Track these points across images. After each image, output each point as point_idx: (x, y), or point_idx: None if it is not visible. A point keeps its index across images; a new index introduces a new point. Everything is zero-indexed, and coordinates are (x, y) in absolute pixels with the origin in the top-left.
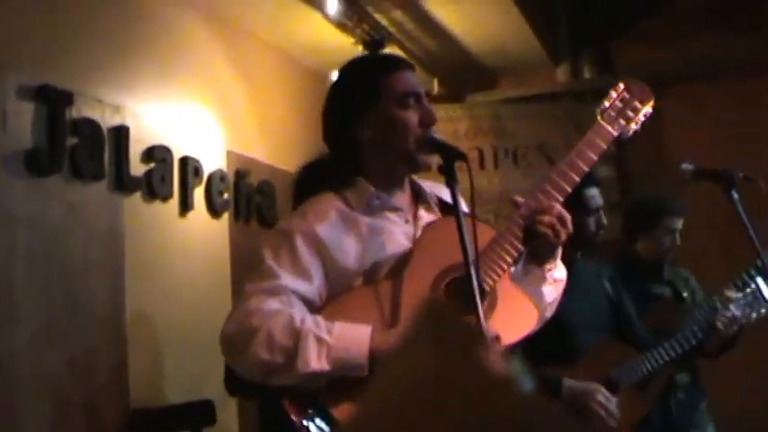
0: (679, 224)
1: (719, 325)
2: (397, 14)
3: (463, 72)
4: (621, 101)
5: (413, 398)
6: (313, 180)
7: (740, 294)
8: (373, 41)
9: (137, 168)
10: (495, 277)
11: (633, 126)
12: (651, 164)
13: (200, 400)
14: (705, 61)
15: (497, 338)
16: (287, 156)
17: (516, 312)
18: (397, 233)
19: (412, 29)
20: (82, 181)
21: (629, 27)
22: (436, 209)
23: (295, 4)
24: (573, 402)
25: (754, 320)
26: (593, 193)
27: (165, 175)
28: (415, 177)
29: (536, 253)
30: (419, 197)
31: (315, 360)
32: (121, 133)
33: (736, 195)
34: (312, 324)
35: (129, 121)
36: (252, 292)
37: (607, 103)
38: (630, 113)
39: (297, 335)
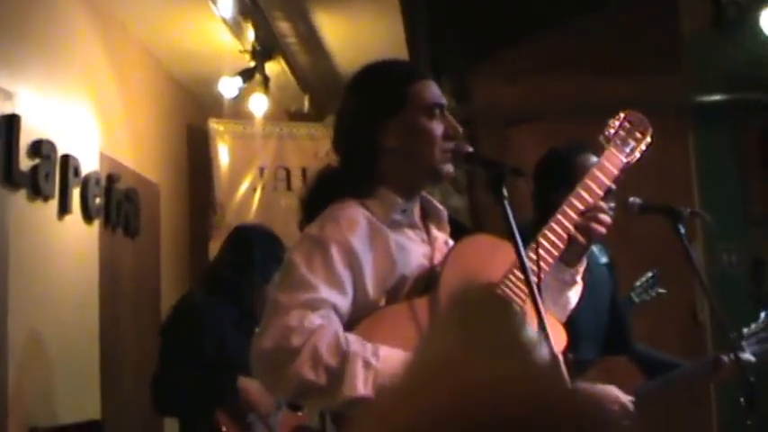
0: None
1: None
2: (284, 26)
3: (326, 91)
4: (623, 130)
5: (439, 378)
6: (330, 188)
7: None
8: (263, 51)
9: (23, 163)
10: (524, 296)
11: (636, 155)
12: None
13: (88, 420)
14: (558, 99)
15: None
16: (152, 166)
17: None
18: (418, 251)
19: (293, 42)
20: None
21: (486, 57)
22: (447, 225)
23: (185, 7)
24: None
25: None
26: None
27: (49, 172)
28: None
29: (569, 255)
30: (427, 212)
31: (362, 386)
32: (13, 123)
33: (682, 230)
34: (359, 346)
35: (19, 111)
36: (290, 305)
37: (612, 131)
38: (633, 143)
39: (344, 357)
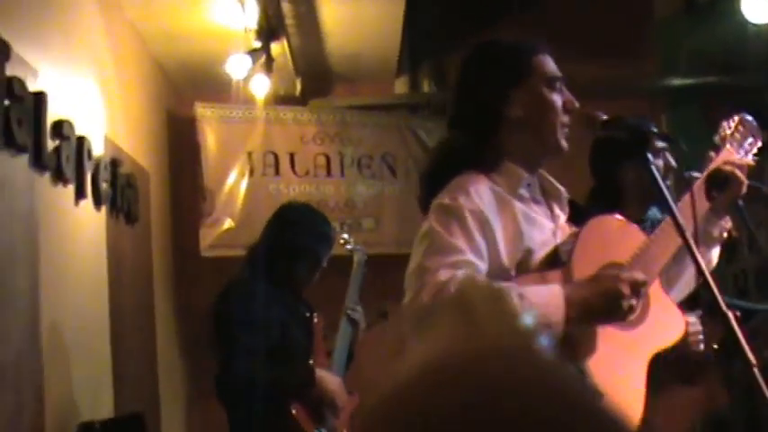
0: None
1: None
2: (286, 6)
3: (314, 75)
4: (738, 133)
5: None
6: (453, 162)
7: None
8: (269, 31)
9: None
10: (651, 278)
11: (749, 158)
12: None
13: (131, 413)
14: None
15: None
16: (143, 151)
17: (666, 319)
18: (544, 226)
19: (292, 24)
20: (11, 152)
21: (464, 42)
22: (566, 206)
23: None
24: None
25: None
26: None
27: (69, 155)
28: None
29: (719, 205)
30: (546, 191)
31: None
32: (41, 101)
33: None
34: (508, 284)
35: (45, 88)
36: (438, 267)
37: (728, 131)
38: (747, 146)
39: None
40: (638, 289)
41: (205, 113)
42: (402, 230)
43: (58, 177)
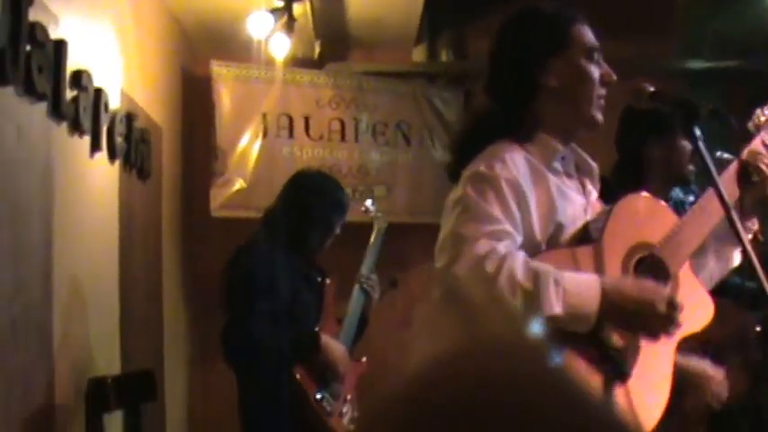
0: None
1: None
2: None
3: (332, 38)
4: None
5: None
6: (487, 130)
7: None
8: None
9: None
10: (681, 261)
11: None
12: None
13: (141, 369)
14: None
15: None
16: (157, 108)
17: (695, 303)
18: (576, 201)
19: None
20: (30, 100)
21: (485, 13)
22: (598, 182)
23: None
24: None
25: None
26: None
27: (86, 106)
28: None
29: (747, 200)
30: (579, 166)
31: (556, 303)
32: (61, 49)
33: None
34: (546, 267)
35: (65, 37)
36: (475, 236)
37: (762, 119)
38: None
39: (536, 277)
40: (673, 314)
41: (221, 72)
42: (414, 199)
43: (75, 128)
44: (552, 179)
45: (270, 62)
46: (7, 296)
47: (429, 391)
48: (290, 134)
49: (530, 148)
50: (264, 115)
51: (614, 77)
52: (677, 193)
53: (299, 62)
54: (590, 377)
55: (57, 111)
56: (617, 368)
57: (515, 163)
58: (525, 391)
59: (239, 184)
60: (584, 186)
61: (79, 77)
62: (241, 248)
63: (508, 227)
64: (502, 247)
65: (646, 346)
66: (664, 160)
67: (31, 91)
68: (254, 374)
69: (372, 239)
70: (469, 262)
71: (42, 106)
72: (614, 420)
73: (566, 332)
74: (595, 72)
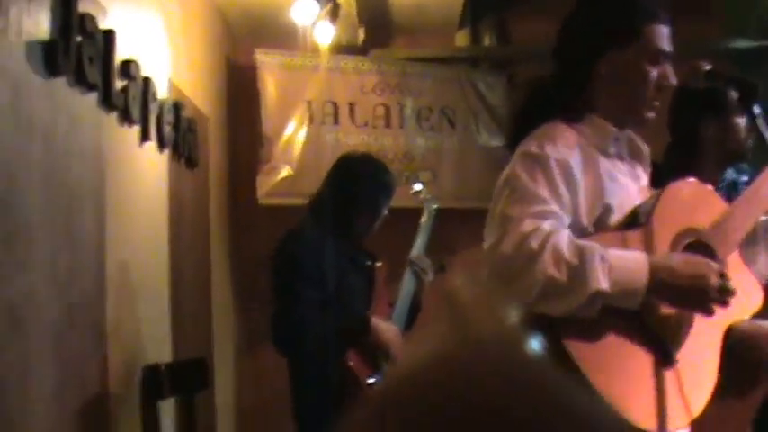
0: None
1: None
2: None
3: (376, 24)
4: None
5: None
6: (542, 107)
7: None
8: None
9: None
10: (728, 249)
11: None
12: None
13: (196, 357)
14: None
15: None
16: (203, 97)
17: (744, 289)
18: (626, 185)
19: None
20: (81, 90)
21: None
22: (649, 168)
23: None
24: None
25: None
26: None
27: (136, 95)
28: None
29: None
30: (632, 151)
31: (603, 279)
32: (110, 39)
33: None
34: (591, 243)
35: (114, 27)
36: (521, 216)
37: None
38: None
39: (582, 253)
40: (725, 286)
41: (266, 60)
42: (459, 184)
43: (125, 118)
44: (603, 161)
45: (314, 49)
46: (63, 282)
47: (413, 394)
48: (336, 121)
49: (582, 129)
50: (309, 102)
51: (673, 82)
52: (730, 173)
53: (343, 49)
54: (638, 362)
55: (107, 100)
56: (664, 353)
57: (567, 143)
58: (507, 395)
59: (286, 171)
60: (635, 170)
61: (128, 67)
62: (288, 234)
63: (555, 207)
64: (547, 225)
65: (693, 333)
66: (719, 139)
67: (82, 81)
68: (303, 361)
69: (423, 222)
70: (514, 240)
71: (93, 96)
72: (600, 423)
73: (614, 318)
74: (654, 75)
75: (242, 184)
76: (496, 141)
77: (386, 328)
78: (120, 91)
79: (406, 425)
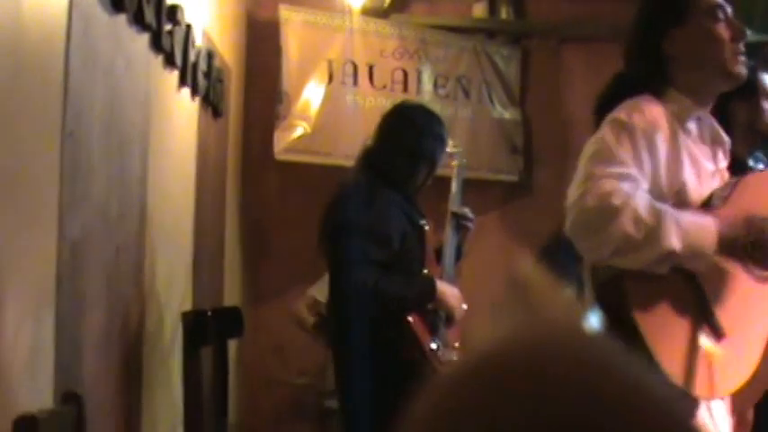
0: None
1: None
2: None
3: None
4: None
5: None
6: (626, 86)
7: None
8: None
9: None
10: None
11: None
12: (549, 114)
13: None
14: (613, 20)
15: None
16: (226, 49)
17: None
18: (704, 166)
19: None
20: (138, 29)
21: None
22: (728, 155)
23: None
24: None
25: None
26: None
27: (179, 40)
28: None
29: None
30: (713, 136)
31: (676, 240)
32: None
33: None
34: (667, 207)
35: None
36: (603, 175)
37: None
38: None
39: (659, 215)
40: None
41: (289, 16)
42: (472, 154)
43: (169, 62)
44: (684, 138)
45: (338, 9)
46: (114, 224)
47: (478, 385)
48: (355, 82)
49: (666, 104)
50: (330, 62)
51: (746, 32)
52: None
53: (366, 11)
54: (688, 335)
55: (157, 43)
56: (713, 326)
57: (653, 115)
58: (574, 388)
59: (303, 128)
60: (715, 155)
61: (175, 12)
62: (343, 191)
63: (635, 171)
64: (626, 186)
65: (744, 315)
66: (750, 122)
67: (139, 21)
68: (365, 324)
69: (454, 174)
70: (595, 197)
71: (145, 38)
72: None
73: (676, 293)
74: (724, 31)
75: (256, 139)
76: (509, 114)
77: (449, 292)
78: (166, 34)
79: (483, 409)
